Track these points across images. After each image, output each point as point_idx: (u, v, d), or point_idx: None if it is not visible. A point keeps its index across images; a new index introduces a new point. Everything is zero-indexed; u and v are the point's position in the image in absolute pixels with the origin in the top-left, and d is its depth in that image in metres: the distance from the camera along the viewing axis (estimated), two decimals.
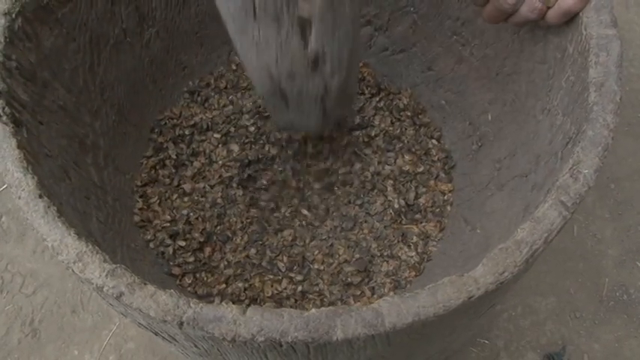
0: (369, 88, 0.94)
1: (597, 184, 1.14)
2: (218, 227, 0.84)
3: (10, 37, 0.58)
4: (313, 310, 0.45)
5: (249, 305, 0.46)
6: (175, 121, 0.90)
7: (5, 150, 0.52)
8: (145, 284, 0.46)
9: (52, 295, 1.06)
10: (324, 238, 0.85)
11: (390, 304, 0.45)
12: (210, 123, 0.91)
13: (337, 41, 0.62)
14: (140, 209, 0.82)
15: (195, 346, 0.51)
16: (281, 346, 0.46)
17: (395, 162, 0.89)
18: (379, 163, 0.89)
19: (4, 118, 0.54)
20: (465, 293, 0.46)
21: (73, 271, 0.48)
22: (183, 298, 0.46)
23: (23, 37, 0.61)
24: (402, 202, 0.85)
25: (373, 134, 0.91)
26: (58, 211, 0.50)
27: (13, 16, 0.59)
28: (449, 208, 0.85)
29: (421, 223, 0.84)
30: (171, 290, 0.46)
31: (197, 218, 0.84)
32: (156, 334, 0.54)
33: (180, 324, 0.45)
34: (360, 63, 0.79)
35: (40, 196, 0.50)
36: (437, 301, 0.45)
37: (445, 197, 0.86)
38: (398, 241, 0.83)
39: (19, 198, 0.51)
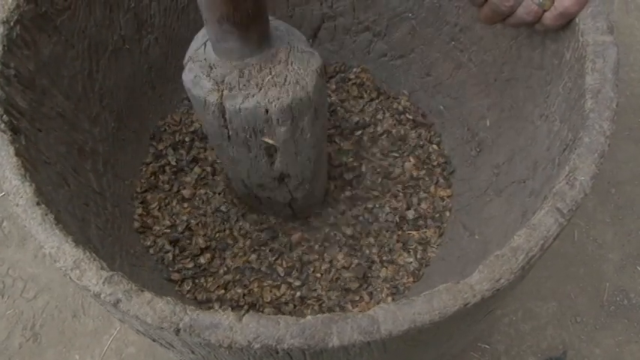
0: (368, 92, 0.95)
1: (598, 188, 1.14)
2: (218, 234, 0.84)
3: (9, 45, 0.59)
4: (309, 316, 0.45)
5: (248, 311, 0.46)
6: (175, 127, 0.91)
7: (3, 158, 0.53)
8: (142, 291, 0.47)
9: (53, 300, 1.06)
10: (324, 244, 0.85)
11: (386, 311, 0.45)
12: None
13: (299, 164, 0.70)
14: (140, 215, 0.82)
15: (192, 352, 0.52)
16: (277, 352, 0.46)
17: (403, 165, 0.89)
18: (385, 166, 0.89)
19: (2, 125, 0.54)
20: (460, 300, 0.46)
21: (70, 278, 0.48)
22: (179, 304, 0.46)
23: (22, 45, 0.61)
24: (405, 208, 0.85)
25: (378, 133, 0.91)
26: (55, 218, 0.50)
27: (12, 24, 0.60)
28: (448, 213, 0.85)
29: (421, 229, 0.84)
30: (169, 297, 0.46)
31: (197, 224, 0.84)
32: (154, 340, 0.55)
33: (177, 331, 0.45)
34: (325, 175, 0.85)
35: (38, 204, 0.51)
36: (432, 308, 0.45)
37: (444, 203, 0.86)
38: (398, 248, 0.83)
39: (17, 205, 0.51)
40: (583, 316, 1.04)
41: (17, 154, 0.53)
